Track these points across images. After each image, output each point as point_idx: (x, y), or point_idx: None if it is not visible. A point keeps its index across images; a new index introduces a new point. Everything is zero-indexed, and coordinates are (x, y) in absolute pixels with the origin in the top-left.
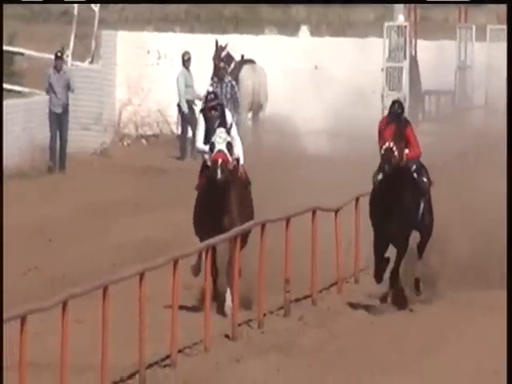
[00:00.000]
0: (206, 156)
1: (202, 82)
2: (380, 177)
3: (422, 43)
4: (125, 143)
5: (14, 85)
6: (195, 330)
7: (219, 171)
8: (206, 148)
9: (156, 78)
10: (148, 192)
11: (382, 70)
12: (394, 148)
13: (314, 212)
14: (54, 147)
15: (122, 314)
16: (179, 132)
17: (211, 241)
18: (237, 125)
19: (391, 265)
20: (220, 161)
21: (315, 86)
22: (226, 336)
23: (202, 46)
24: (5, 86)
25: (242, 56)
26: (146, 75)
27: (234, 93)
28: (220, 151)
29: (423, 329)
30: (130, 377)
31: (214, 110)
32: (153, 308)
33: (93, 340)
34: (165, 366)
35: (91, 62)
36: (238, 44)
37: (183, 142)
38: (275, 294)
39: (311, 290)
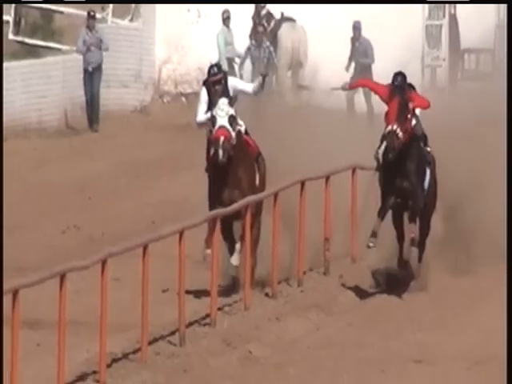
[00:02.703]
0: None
1: (242, 40)
2: (382, 151)
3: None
4: (164, 100)
5: (53, 43)
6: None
7: (221, 152)
8: (205, 118)
9: (196, 37)
10: (187, 150)
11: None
12: (398, 130)
13: (353, 170)
14: (90, 105)
15: (162, 273)
16: None
17: (249, 199)
18: (276, 84)
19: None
20: (222, 139)
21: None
22: (266, 294)
23: (241, 4)
24: (44, 43)
25: (282, 14)
26: (186, 33)
27: (271, 58)
28: (222, 127)
29: (462, 289)
30: (170, 335)
31: (218, 85)
32: (192, 266)
33: (132, 298)
34: (204, 325)
35: (131, 20)
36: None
37: None
38: (315, 252)
39: (351, 248)
